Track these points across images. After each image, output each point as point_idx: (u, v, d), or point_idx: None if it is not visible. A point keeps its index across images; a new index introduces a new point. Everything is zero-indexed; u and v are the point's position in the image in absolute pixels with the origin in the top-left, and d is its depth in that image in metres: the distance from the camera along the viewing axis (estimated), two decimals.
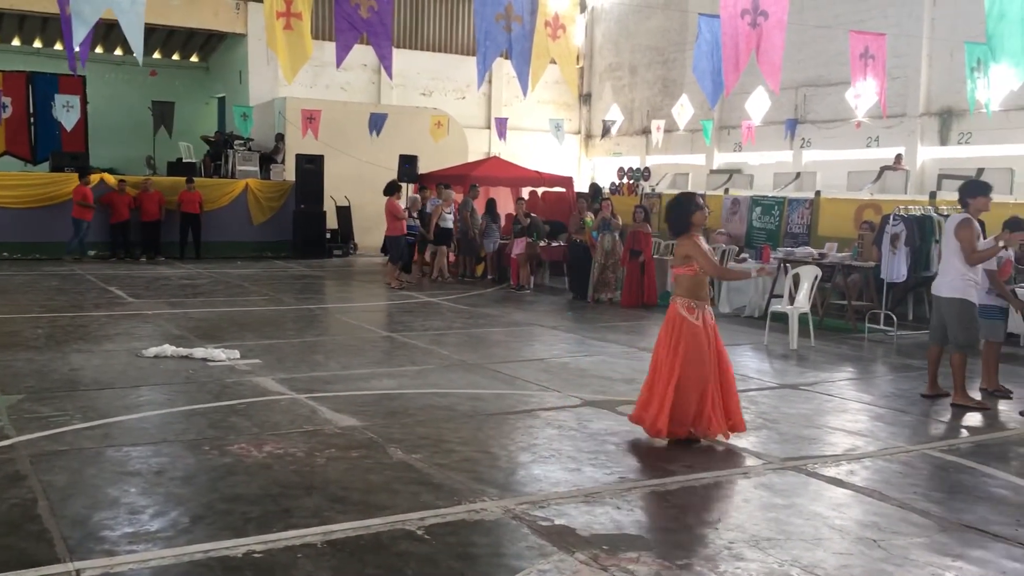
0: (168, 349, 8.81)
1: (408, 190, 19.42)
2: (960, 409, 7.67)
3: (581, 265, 14.43)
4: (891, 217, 11.61)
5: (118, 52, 24.21)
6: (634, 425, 6.41)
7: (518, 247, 15.59)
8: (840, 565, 4.28)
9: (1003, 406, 7.85)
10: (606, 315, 12.79)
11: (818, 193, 15.27)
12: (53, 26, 21.62)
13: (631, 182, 21.34)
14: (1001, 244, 7.72)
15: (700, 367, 6.17)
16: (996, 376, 8.23)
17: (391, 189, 15.95)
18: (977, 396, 7.95)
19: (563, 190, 18.91)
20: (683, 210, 6.43)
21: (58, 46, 22.89)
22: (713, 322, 6.34)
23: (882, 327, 11.35)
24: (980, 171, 15.12)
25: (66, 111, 18.74)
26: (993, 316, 8.14)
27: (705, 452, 6.15)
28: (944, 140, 17.85)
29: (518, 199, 17.40)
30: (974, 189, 7.80)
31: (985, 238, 8.56)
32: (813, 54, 19.55)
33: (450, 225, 16.42)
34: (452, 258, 17.27)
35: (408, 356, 9.32)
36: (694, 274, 6.29)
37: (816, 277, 10.90)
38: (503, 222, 17.03)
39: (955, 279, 7.68)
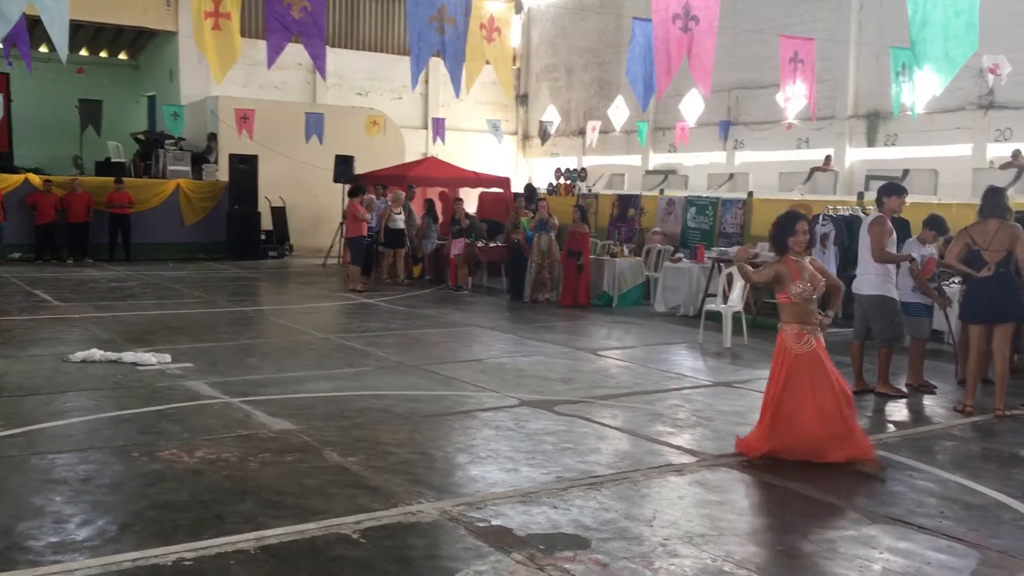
0: (96, 353, 8.59)
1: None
2: (884, 398, 8.01)
3: (517, 265, 14.47)
4: (820, 217, 11.85)
5: (43, 49, 23.55)
6: (567, 426, 6.42)
7: (456, 247, 15.57)
8: (772, 559, 4.36)
9: (927, 401, 8.08)
10: (544, 315, 12.84)
11: (750, 194, 15.52)
12: None
13: (568, 183, 21.46)
14: (910, 258, 8.10)
15: (805, 397, 5.89)
16: (921, 372, 8.46)
17: (356, 191, 15.68)
18: (901, 387, 8.23)
19: (501, 191, 18.93)
20: (780, 230, 6.10)
21: None
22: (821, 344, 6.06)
23: None
24: (906, 172, 15.54)
25: None
26: (919, 313, 8.36)
27: (637, 452, 6.21)
28: (871, 142, 18.33)
29: (456, 199, 17.36)
30: (889, 189, 8.12)
31: (910, 237, 8.85)
32: (745, 57, 19.89)
33: (400, 226, 16.28)
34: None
35: (345, 358, 9.24)
36: (788, 302, 6.05)
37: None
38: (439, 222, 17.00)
39: (873, 277, 8.02)
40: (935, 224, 8.47)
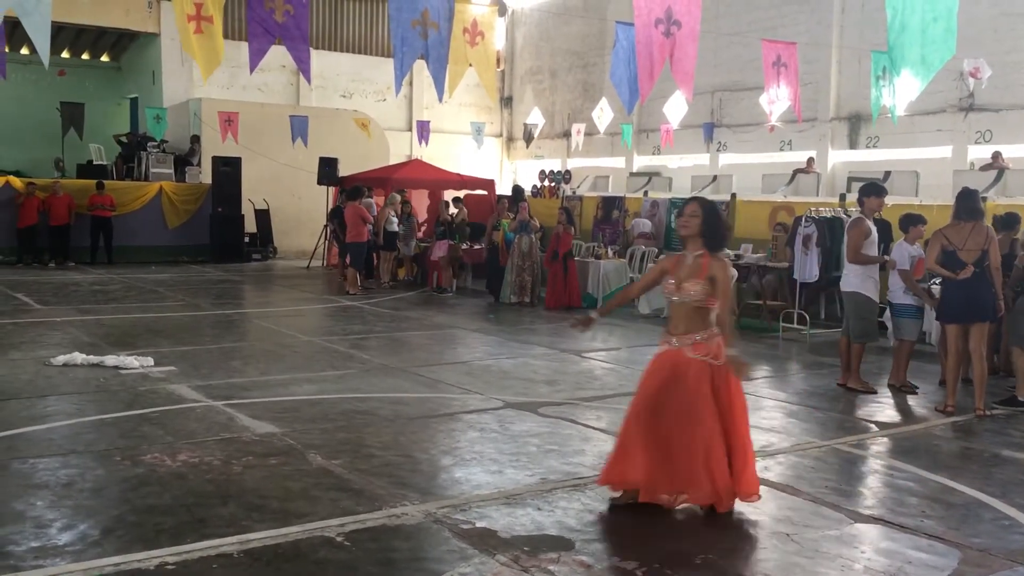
0: (78, 357, 8.54)
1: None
2: (853, 393, 8.22)
3: (496, 268, 14.45)
4: (803, 219, 11.93)
5: (24, 51, 23.42)
6: (552, 428, 6.42)
7: (440, 249, 15.55)
8: (755, 559, 4.38)
9: (910, 401, 8.13)
10: (528, 317, 12.85)
11: (734, 195, 15.59)
12: None
13: (552, 185, 21.49)
14: (886, 260, 8.28)
15: None
16: (904, 372, 8.53)
17: (355, 193, 15.55)
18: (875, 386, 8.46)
19: (485, 193, 18.94)
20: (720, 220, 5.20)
21: None
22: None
23: (795, 326, 11.65)
24: (887, 174, 15.63)
25: None
26: (908, 315, 8.44)
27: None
28: (853, 144, 18.43)
29: (442, 201, 17.34)
30: (869, 190, 8.43)
31: (893, 240, 8.96)
32: (728, 59, 19.98)
33: (395, 229, 16.21)
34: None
35: (328, 361, 9.22)
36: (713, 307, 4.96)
37: (732, 278, 11.12)
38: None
39: (850, 275, 8.31)
40: (911, 220, 8.59)
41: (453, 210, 17.05)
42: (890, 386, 8.49)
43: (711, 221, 5.01)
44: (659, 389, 4.98)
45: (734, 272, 4.88)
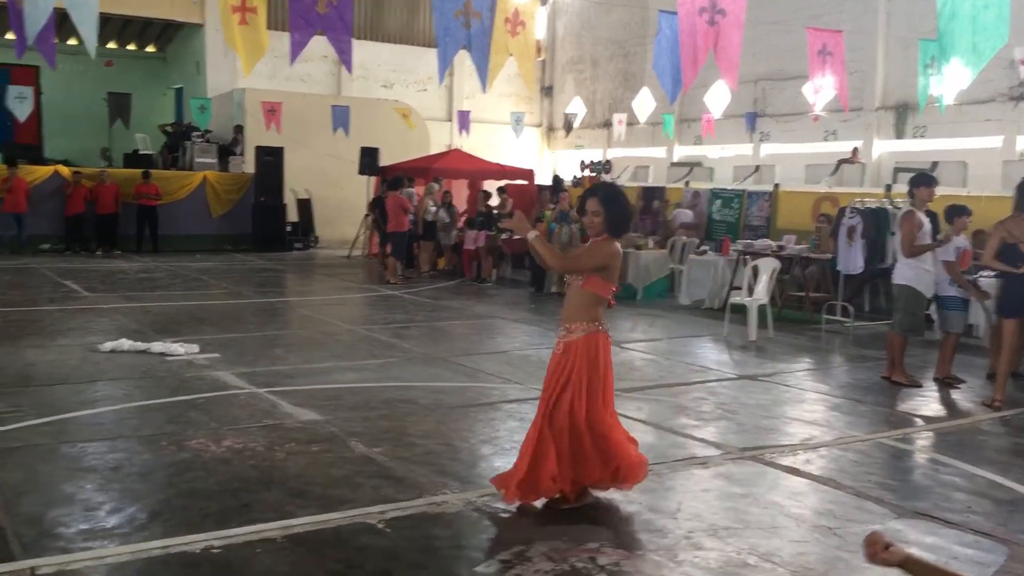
0: (125, 343, 8.69)
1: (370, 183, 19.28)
2: (898, 387, 8.11)
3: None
4: (847, 210, 11.76)
5: (72, 42, 23.78)
6: None
7: (478, 240, 15.57)
8: (796, 553, 4.35)
9: (956, 395, 8.01)
10: None
11: (777, 186, 15.43)
12: (4, 15, 21.16)
13: (592, 175, 21.39)
14: (940, 239, 8.06)
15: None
16: (949, 365, 8.41)
17: (396, 183, 15.62)
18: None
19: (525, 183, 18.92)
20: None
21: (10, 35, 22.42)
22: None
23: (839, 318, 11.51)
24: (934, 164, 15.38)
25: (19, 102, 18.33)
26: (955, 307, 8.31)
27: (661, 444, 6.20)
28: (900, 134, 18.14)
29: (481, 191, 17.36)
30: (919, 180, 8.32)
31: (939, 231, 8.81)
32: (771, 48, 19.74)
33: (434, 218, 16.27)
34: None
35: (370, 350, 9.28)
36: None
37: (775, 269, 11.03)
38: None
39: (903, 267, 8.19)
40: (957, 211, 8.45)
41: (495, 200, 17.06)
42: (935, 380, 8.37)
43: (612, 214, 4.81)
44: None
45: (617, 248, 4.80)
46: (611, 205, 4.84)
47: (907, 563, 2.32)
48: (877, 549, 2.32)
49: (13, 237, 17.35)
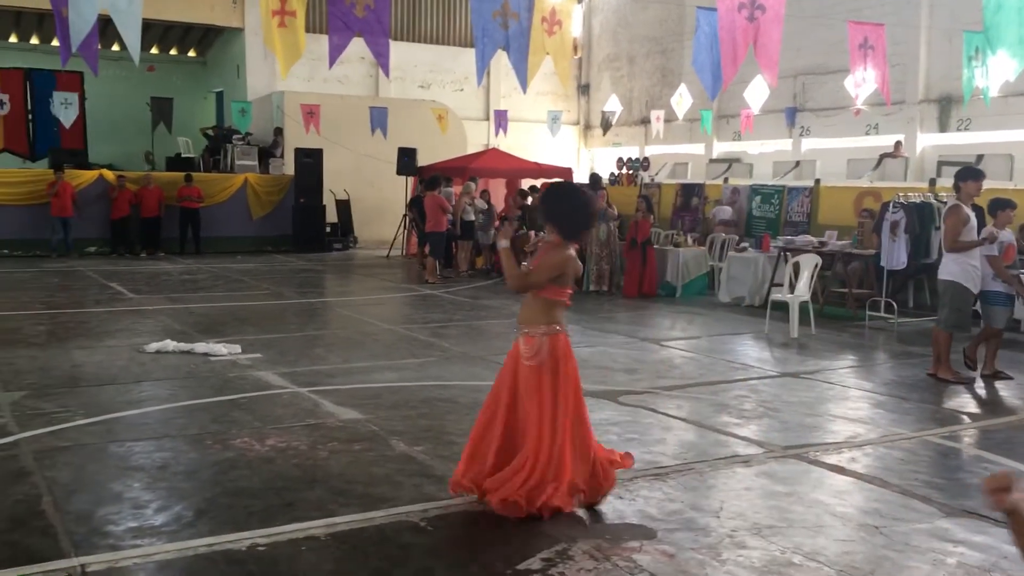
0: (169, 344, 8.82)
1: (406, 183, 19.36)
2: (944, 384, 8.00)
3: None
4: (891, 205, 11.61)
5: (115, 48, 24.19)
6: (631, 416, 6.39)
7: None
8: (842, 552, 4.30)
9: (1004, 392, 7.87)
10: (606, 305, 12.80)
11: (817, 181, 15.25)
12: (50, 22, 21.54)
13: (630, 172, 21.32)
14: (985, 236, 7.92)
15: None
16: (993, 361, 8.30)
17: (433, 183, 15.67)
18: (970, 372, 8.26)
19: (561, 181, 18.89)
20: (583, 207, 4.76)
21: (55, 43, 22.83)
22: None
23: (882, 314, 11.36)
24: (980, 157, 15.10)
25: (64, 108, 18.69)
26: (998, 302, 8.18)
27: (702, 443, 6.16)
28: (943, 127, 17.83)
29: (517, 190, 17.36)
30: (965, 174, 8.14)
31: (985, 224, 8.66)
32: (811, 42, 19.50)
33: (471, 218, 16.33)
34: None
35: (409, 349, 9.33)
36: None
37: (816, 265, 10.91)
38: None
39: (949, 263, 8.06)
40: (1000, 204, 8.31)
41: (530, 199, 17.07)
42: (984, 376, 8.24)
43: (559, 214, 4.67)
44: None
45: (576, 262, 4.67)
46: (556, 205, 4.71)
47: (1014, 514, 2.27)
48: (998, 487, 2.29)
49: (60, 241, 17.68)
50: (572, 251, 4.71)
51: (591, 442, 4.75)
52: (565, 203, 4.72)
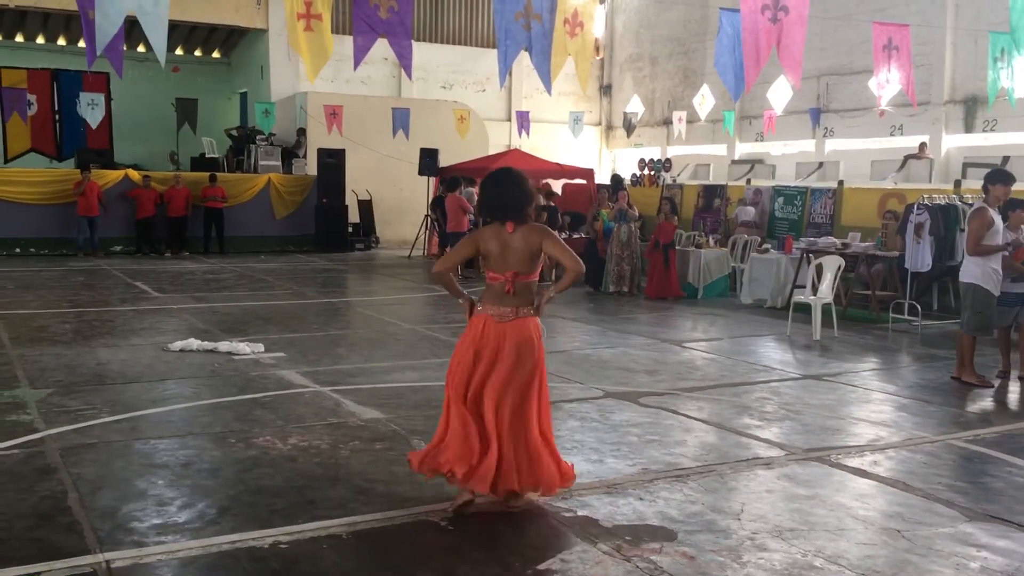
0: (193, 343, 8.90)
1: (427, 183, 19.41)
2: (968, 387, 7.94)
3: (595, 257, 14.41)
4: (915, 206, 11.52)
5: (141, 49, 24.40)
6: (652, 418, 6.39)
7: None
8: (864, 555, 4.28)
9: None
10: (627, 307, 12.78)
11: (841, 183, 15.17)
12: (77, 24, 21.76)
13: (652, 173, 21.28)
14: (1010, 242, 7.88)
15: None
16: (1008, 359, 8.28)
17: (453, 184, 15.72)
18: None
19: (584, 182, 18.89)
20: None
21: (82, 44, 23.05)
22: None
23: (906, 317, 11.28)
24: (1006, 159, 14.97)
25: (91, 108, 18.89)
26: (1007, 303, 8.12)
27: (723, 445, 6.15)
28: (969, 128, 17.67)
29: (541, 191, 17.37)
30: (995, 177, 8.03)
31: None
32: (835, 42, 19.39)
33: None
34: None
35: (430, 349, 9.36)
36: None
37: (839, 267, 10.84)
38: None
39: (969, 265, 7.99)
40: (1016, 204, 8.25)
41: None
42: (1020, 378, 8.20)
43: (483, 196, 5.07)
44: None
45: (477, 233, 5.00)
46: (483, 190, 5.08)
47: None
48: None
49: (86, 240, 17.87)
50: (490, 230, 4.85)
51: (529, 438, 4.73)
52: (491, 185, 5.08)
